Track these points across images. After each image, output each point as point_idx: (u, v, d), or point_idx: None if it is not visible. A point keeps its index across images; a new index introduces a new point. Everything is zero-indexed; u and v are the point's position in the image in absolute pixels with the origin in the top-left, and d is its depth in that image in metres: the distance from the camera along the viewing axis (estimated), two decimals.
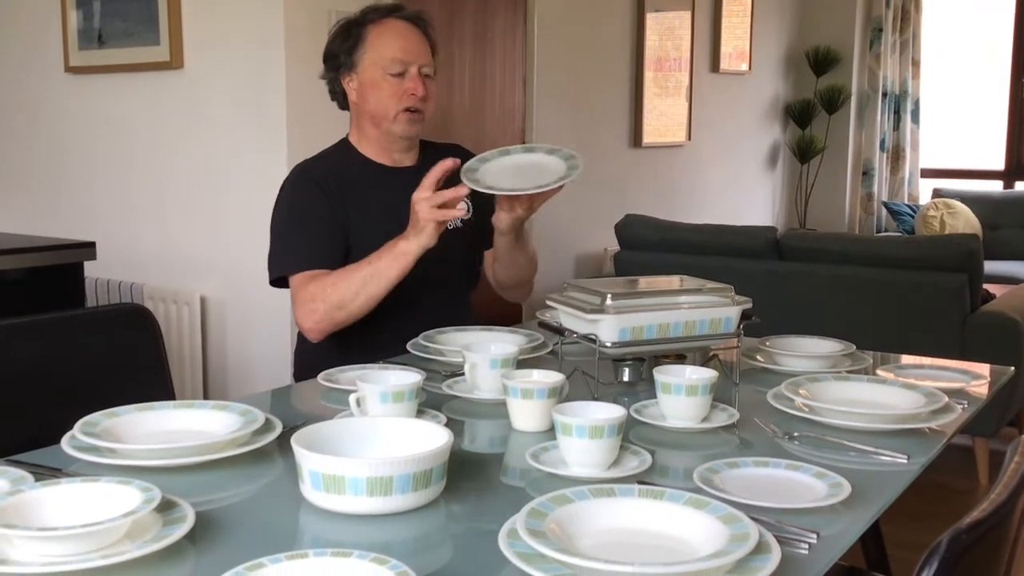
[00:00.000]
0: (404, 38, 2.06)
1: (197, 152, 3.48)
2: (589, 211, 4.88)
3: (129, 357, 1.78)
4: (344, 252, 2.00)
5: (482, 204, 2.20)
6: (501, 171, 1.86)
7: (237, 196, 3.36)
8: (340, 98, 2.15)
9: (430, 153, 2.20)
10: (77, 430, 1.29)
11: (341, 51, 2.08)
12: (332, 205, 2.02)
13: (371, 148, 2.13)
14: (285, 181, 2.10)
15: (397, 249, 1.86)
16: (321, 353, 2.03)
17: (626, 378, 1.68)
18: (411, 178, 2.12)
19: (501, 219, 1.96)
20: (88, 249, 2.91)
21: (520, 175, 1.85)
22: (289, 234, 2.02)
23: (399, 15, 2.09)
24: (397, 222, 2.06)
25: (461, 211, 1.85)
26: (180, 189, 3.54)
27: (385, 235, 2.02)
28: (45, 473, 1.19)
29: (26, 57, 3.92)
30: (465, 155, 2.28)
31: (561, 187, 1.80)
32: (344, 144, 2.17)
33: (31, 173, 4.01)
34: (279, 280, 2.03)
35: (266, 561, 0.89)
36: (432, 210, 1.80)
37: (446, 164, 1.84)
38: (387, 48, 2.04)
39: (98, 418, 1.34)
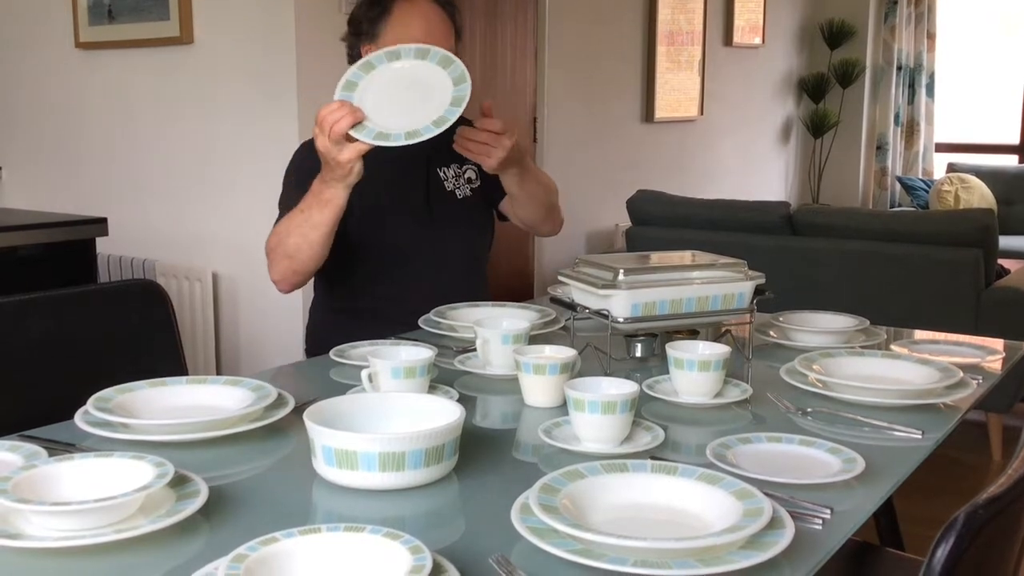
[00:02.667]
0: (430, 21, 2.02)
1: (208, 127, 3.47)
2: (601, 186, 4.86)
3: (141, 333, 1.78)
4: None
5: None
6: (384, 94, 1.73)
7: (249, 172, 3.35)
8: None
9: None
10: (90, 405, 1.30)
11: (365, 19, 2.05)
12: None
13: None
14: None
15: (323, 197, 1.79)
16: (333, 328, 2.03)
17: (638, 354, 1.67)
18: (419, 151, 2.12)
19: (487, 165, 1.91)
20: (100, 225, 2.91)
21: (405, 98, 1.73)
22: (280, 205, 2.02)
23: None
24: (402, 193, 2.06)
25: (363, 145, 1.69)
26: (192, 165, 3.54)
27: (392, 205, 2.01)
28: (58, 448, 1.20)
29: (36, 33, 3.91)
30: (465, 122, 2.26)
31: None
32: None
33: (42, 149, 4.02)
34: None
35: (279, 536, 0.89)
36: (334, 148, 1.68)
37: None
38: (411, 29, 2.01)
39: (111, 393, 1.34)
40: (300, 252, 1.86)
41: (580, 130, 4.72)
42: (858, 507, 1.07)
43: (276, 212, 2.06)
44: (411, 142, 1.69)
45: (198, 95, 3.47)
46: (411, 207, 2.05)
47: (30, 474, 1.02)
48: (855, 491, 1.11)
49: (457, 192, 2.12)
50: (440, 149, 2.13)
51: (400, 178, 2.08)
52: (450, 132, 2.22)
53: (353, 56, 2.12)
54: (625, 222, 4.19)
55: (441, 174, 2.12)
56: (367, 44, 2.07)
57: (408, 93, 1.75)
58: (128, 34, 3.56)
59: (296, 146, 2.17)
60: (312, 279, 2.16)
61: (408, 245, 2.04)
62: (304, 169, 2.04)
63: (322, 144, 1.70)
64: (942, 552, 0.77)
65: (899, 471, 1.18)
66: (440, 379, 1.50)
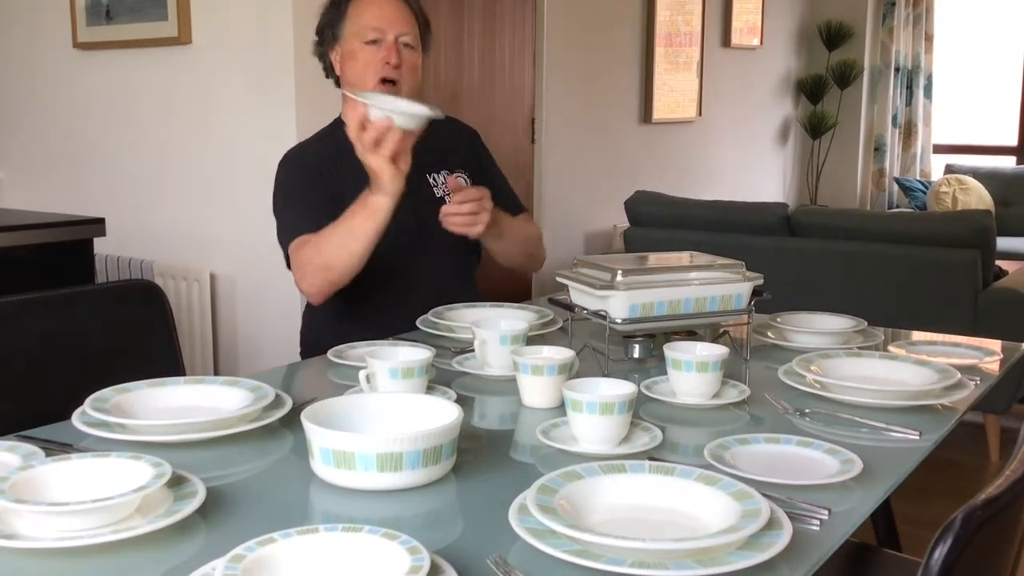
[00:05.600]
0: (381, 6, 2.02)
1: (206, 127, 3.47)
2: (599, 188, 4.86)
3: (139, 333, 1.78)
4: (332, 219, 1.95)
5: (483, 180, 2.18)
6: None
7: (247, 172, 3.35)
8: (334, 74, 2.11)
9: (429, 130, 2.17)
10: (88, 406, 1.30)
11: (327, 24, 2.06)
12: (323, 183, 2.01)
13: None
14: (277, 169, 2.09)
15: (369, 206, 1.80)
16: (327, 329, 2.02)
17: (636, 355, 1.67)
18: (414, 157, 2.10)
19: (475, 232, 1.92)
20: (98, 225, 2.91)
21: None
22: (284, 212, 2.02)
23: None
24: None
25: (406, 139, 1.75)
26: (189, 165, 3.54)
27: None
28: (56, 449, 1.20)
29: (34, 33, 3.91)
30: (461, 128, 2.26)
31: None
32: (337, 123, 2.14)
33: (40, 149, 4.01)
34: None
35: (276, 536, 0.89)
36: (376, 156, 1.74)
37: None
38: (364, 16, 2.02)
39: (109, 394, 1.34)
40: (339, 261, 1.85)
41: (578, 131, 4.72)
42: (856, 508, 1.07)
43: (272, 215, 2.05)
44: (439, 115, 1.78)
45: (196, 95, 3.47)
46: (401, 213, 2.03)
47: (27, 474, 1.02)
48: (853, 492, 1.11)
49: (446, 199, 2.09)
50: (432, 154, 2.12)
51: None
52: (440, 138, 2.21)
53: (328, 69, 2.11)
54: (623, 223, 4.19)
55: (431, 180, 2.12)
56: (333, 48, 2.06)
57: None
58: (126, 34, 3.56)
59: (293, 145, 2.16)
60: None
61: (396, 250, 2.00)
62: (286, 185, 2.04)
63: (375, 163, 1.73)
64: (940, 553, 0.77)
65: (897, 472, 1.18)
66: (438, 380, 1.50)
